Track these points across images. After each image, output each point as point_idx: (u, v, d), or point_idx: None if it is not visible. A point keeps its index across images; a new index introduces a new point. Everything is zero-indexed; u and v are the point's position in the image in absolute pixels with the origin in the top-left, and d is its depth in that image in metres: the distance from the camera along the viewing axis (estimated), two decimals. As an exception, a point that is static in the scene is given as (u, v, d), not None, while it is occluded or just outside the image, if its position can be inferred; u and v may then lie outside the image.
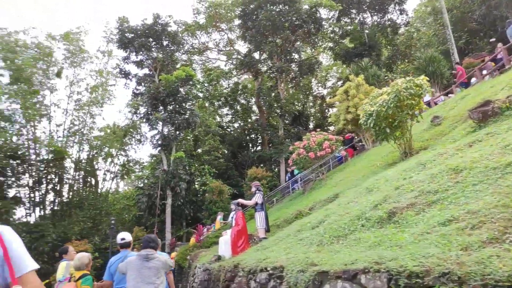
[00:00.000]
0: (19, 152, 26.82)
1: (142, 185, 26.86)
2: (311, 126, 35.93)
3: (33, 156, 28.80)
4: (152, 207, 24.36)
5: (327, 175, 18.20)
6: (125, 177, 36.62)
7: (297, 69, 28.65)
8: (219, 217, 20.37)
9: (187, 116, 25.23)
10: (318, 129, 19.38)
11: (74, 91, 33.57)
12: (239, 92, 36.23)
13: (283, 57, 28.52)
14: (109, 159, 35.53)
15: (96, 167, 35.45)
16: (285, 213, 14.36)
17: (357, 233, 4.75)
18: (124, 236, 5.80)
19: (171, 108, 25.19)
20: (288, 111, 28.42)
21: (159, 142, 25.58)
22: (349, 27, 34.83)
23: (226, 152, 32.35)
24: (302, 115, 33.96)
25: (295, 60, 29.51)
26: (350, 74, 21.92)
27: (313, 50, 32.87)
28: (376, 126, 10.41)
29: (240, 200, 11.96)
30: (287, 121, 29.55)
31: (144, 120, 26.05)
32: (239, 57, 33.84)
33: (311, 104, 41.28)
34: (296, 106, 34.61)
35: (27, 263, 1.62)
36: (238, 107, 38.08)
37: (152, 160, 30.44)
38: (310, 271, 3.72)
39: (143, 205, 24.57)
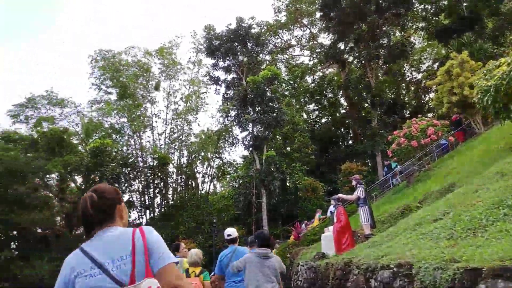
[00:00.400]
0: (129, 160, 29.84)
1: (237, 185, 27.80)
2: (407, 114, 33.31)
3: (141, 164, 31.91)
4: (249, 206, 24.99)
5: (433, 164, 16.50)
6: (221, 178, 38.35)
7: (387, 54, 26.70)
8: (318, 214, 19.97)
9: (275, 115, 25.33)
10: (419, 115, 17.70)
11: (171, 102, 36.39)
12: (325, 86, 35.28)
13: (371, 43, 26.87)
14: (206, 163, 37.63)
15: (195, 170, 37.84)
16: (389, 208, 13.35)
17: (499, 224, 3.99)
18: (230, 232, 5.86)
19: (259, 108, 25.58)
20: (380, 100, 26.67)
21: (250, 142, 26.16)
22: (443, 2, 31.37)
23: (316, 148, 31.70)
24: (396, 104, 31.63)
25: (384, 45, 27.58)
26: (451, 52, 19.61)
27: (403, 32, 30.29)
28: (495, 104, 9.04)
29: (341, 195, 11.41)
30: (380, 111, 27.72)
31: (235, 123, 26.94)
32: (323, 50, 32.98)
33: (403, 92, 38.30)
34: (389, 95, 32.33)
35: (167, 256, 1.73)
36: (325, 102, 37.13)
37: (245, 161, 31.32)
38: (452, 268, 3.17)
39: (240, 204, 25.37)
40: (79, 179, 29.20)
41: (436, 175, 14.04)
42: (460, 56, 18.36)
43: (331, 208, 19.82)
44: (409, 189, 15.47)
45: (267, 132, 25.76)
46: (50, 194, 28.60)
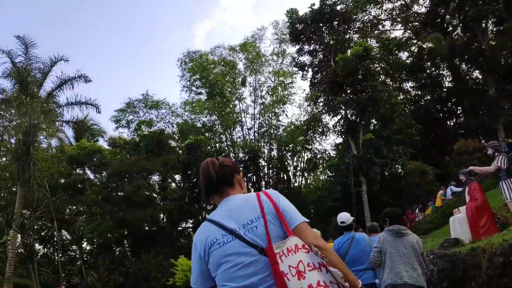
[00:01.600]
0: (223, 155, 30.21)
1: (332, 174, 25.99)
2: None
3: (233, 159, 32.15)
4: (347, 196, 23.09)
5: None
6: (312, 170, 36.92)
7: (503, 9, 22.27)
8: (441, 192, 17.43)
9: (370, 94, 23.01)
10: None
11: (258, 96, 36.13)
12: (425, 59, 31.27)
13: (483, 1, 22.76)
14: (296, 155, 36.54)
15: (286, 163, 37.03)
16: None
17: None
18: (344, 218, 5.32)
19: (351, 89, 23.52)
20: (497, 65, 22.44)
21: (344, 127, 24.24)
22: None
23: (421, 128, 28.20)
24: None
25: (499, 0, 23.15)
26: None
27: None
28: None
29: (474, 168, 9.15)
30: (497, 78, 23.37)
31: (325, 110, 25.24)
32: (420, 18, 29.25)
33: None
34: (505, 58, 27.18)
35: (298, 217, 1.64)
36: (426, 78, 32.96)
37: (338, 150, 29.33)
38: None
39: (337, 194, 23.61)
40: (178, 178, 30.57)
41: None
42: None
43: (452, 188, 17.02)
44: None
45: (362, 114, 23.56)
46: (154, 195, 30.42)
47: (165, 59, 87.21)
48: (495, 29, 26.66)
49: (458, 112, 31.15)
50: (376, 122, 27.17)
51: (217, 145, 32.73)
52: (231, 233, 1.57)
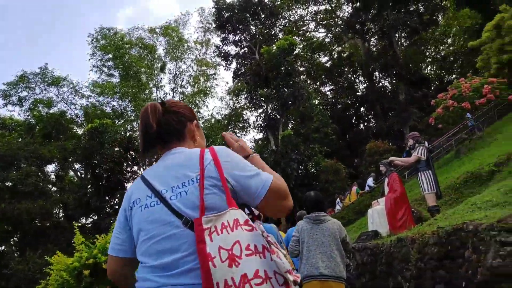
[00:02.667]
0: (136, 144, 27.65)
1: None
2: (430, 91, 30.36)
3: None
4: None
5: (486, 131, 13.81)
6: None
7: (417, 21, 23.80)
8: (355, 187, 17.63)
9: (292, 90, 22.75)
10: (468, 74, 14.92)
11: (178, 84, 34.02)
12: (343, 63, 32.45)
13: (397, 10, 24.07)
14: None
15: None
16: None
17: None
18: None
19: (274, 83, 22.99)
20: (408, 72, 23.90)
21: (265, 122, 23.66)
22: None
23: (337, 128, 29.04)
24: (422, 78, 28.62)
25: (413, 12, 24.71)
26: (501, 5, 16.77)
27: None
28: None
29: (394, 158, 8.82)
30: (407, 85, 24.93)
31: (247, 103, 24.36)
32: (342, 24, 30.16)
33: (428, 67, 35.29)
34: (414, 69, 29.30)
35: (264, 177, 1.29)
36: (343, 81, 34.32)
37: (257, 145, 28.74)
38: None
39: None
40: (79, 167, 27.07)
41: (500, 140, 11.38)
42: (514, 7, 15.59)
43: (370, 181, 17.32)
44: (459, 161, 12.83)
45: (283, 110, 23.20)
46: (49, 185, 26.50)
47: (82, 41, 79.40)
48: (408, 40, 28.64)
49: (370, 116, 32.95)
50: (295, 119, 27.15)
51: (129, 133, 29.78)
52: (157, 196, 1.23)
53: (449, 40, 35.53)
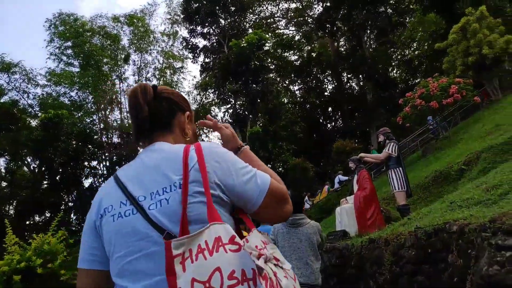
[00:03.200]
0: (94, 137, 26.15)
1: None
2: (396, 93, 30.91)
3: (105, 143, 28.06)
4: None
5: (452, 131, 13.94)
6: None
7: (387, 21, 23.97)
8: (327, 186, 17.39)
9: (260, 86, 22.26)
10: (436, 74, 15.00)
11: (143, 77, 32.62)
12: (313, 63, 32.34)
13: (367, 10, 24.14)
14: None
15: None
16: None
17: None
18: None
19: (243, 79, 22.39)
20: (376, 73, 24.05)
21: (233, 118, 23.01)
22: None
23: (305, 126, 28.87)
24: (388, 80, 28.99)
25: (382, 12, 24.89)
26: (467, 8, 17.06)
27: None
28: None
29: (364, 155, 8.47)
30: (375, 86, 25.10)
31: (215, 97, 23.59)
32: (312, 23, 30.02)
33: (395, 69, 35.95)
34: (381, 70, 29.62)
35: (260, 180, 1.08)
36: (313, 80, 34.26)
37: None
38: None
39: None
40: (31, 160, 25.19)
41: (466, 139, 11.41)
42: (479, 10, 15.85)
43: (340, 177, 17.10)
44: (426, 161, 12.81)
45: (251, 106, 22.65)
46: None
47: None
48: (376, 42, 28.87)
49: (338, 116, 33.10)
50: (264, 117, 26.67)
51: (88, 126, 28.11)
52: (133, 203, 0.99)
53: (415, 44, 36.45)
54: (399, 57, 35.46)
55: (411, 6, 25.77)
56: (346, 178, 16.86)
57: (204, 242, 0.90)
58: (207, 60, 24.95)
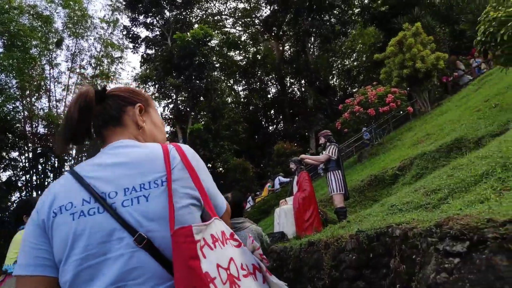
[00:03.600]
0: (16, 125, 23.60)
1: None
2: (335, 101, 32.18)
3: (28, 133, 25.48)
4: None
5: (386, 138, 14.63)
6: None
7: (330, 30, 24.70)
8: (268, 184, 17.23)
9: (204, 82, 21.69)
10: (374, 83, 15.68)
11: (77, 64, 30.20)
12: (258, 64, 32.44)
13: (312, 17, 24.71)
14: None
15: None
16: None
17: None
18: None
19: (187, 73, 21.61)
20: (318, 78, 24.69)
21: (173, 113, 22.13)
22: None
23: (247, 126, 28.78)
24: (329, 87, 30.02)
25: (326, 21, 25.62)
26: (404, 24, 18.12)
27: (346, 7, 28.34)
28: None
29: (305, 156, 8.42)
30: (316, 91, 25.79)
31: (156, 89, 22.48)
32: (259, 24, 30.07)
33: (335, 77, 37.42)
34: (322, 77, 30.56)
35: (223, 199, 1.16)
36: (256, 81, 34.35)
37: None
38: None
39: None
40: None
41: (398, 147, 11.98)
42: (415, 26, 16.90)
43: (280, 179, 17.05)
44: (361, 165, 13.28)
45: (193, 102, 21.96)
46: None
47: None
48: (319, 50, 29.76)
49: (279, 119, 33.53)
50: (206, 115, 26.07)
51: (10, 112, 25.26)
52: (99, 201, 0.93)
53: (354, 55, 38.29)
54: (339, 66, 36.98)
55: (353, 18, 26.93)
56: (287, 180, 16.94)
57: (215, 233, 0.92)
58: (149, 51, 23.71)
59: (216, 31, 30.18)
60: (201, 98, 22.82)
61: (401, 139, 12.99)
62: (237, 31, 34.73)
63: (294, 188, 8.27)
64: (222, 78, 31.95)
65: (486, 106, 8.81)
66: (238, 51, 33.78)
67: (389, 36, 23.17)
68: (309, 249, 4.67)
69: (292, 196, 8.04)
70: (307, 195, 7.69)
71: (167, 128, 27.43)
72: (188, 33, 21.65)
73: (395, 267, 2.99)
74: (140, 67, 24.24)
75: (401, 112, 14.32)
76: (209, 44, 22.80)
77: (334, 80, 38.05)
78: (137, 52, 23.92)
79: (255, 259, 0.98)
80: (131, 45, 24.72)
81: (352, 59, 38.80)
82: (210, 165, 25.34)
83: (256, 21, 31.87)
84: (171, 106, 21.59)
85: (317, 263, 4.34)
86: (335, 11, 27.51)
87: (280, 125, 33.56)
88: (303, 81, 27.12)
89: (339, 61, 37.60)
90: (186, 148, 1.06)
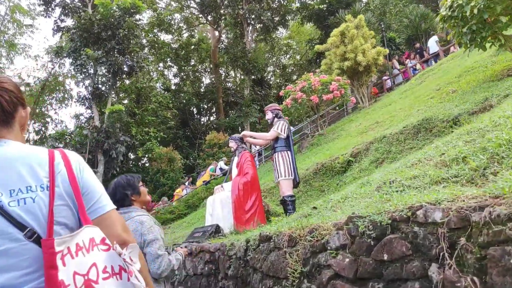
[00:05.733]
0: None
1: (62, 146, 19.88)
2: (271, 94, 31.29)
3: None
4: (77, 176, 17.94)
5: (327, 130, 13.77)
6: (45, 146, 29.02)
7: (269, 17, 23.54)
8: (211, 166, 15.43)
9: (128, 58, 19.05)
10: (317, 70, 14.76)
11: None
12: (192, 48, 30.20)
13: (251, 2, 23.39)
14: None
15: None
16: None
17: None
18: None
19: (109, 46, 18.76)
20: (255, 68, 23.40)
21: (90, 90, 19.09)
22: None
23: (177, 114, 26.46)
24: (263, 80, 28.84)
25: (266, 6, 24.43)
26: (347, 15, 17.62)
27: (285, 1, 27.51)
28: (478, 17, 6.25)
29: (248, 133, 6.87)
30: (252, 81, 24.54)
31: (72, 61, 19.14)
32: (196, 4, 27.89)
33: (271, 72, 36.70)
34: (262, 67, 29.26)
35: (107, 200, 1.18)
36: (189, 69, 32.05)
37: (77, 121, 23.36)
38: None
39: (64, 173, 17.96)
40: None
41: (342, 136, 11.08)
42: (358, 18, 16.43)
43: (222, 165, 15.22)
44: (303, 155, 12.19)
45: (114, 79, 19.15)
46: None
47: None
48: (257, 40, 28.53)
49: (213, 110, 31.66)
50: (130, 97, 23.18)
51: None
52: None
53: (291, 51, 38.04)
54: (275, 62, 36.34)
55: (292, 10, 26.15)
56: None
57: (81, 241, 1.01)
58: (64, 18, 20.15)
59: (146, 6, 27.34)
60: (124, 77, 20.09)
61: (344, 129, 12.18)
62: (171, 11, 32.05)
63: (234, 171, 6.68)
64: (150, 58, 29.18)
65: (441, 93, 8.17)
66: (170, 34, 31.17)
67: (326, 34, 22.90)
68: (262, 248, 3.14)
69: (230, 182, 6.47)
70: (249, 179, 6.14)
71: (82, 109, 24.06)
72: (113, 0, 18.85)
73: (445, 278, 1.60)
74: (53, 36, 20.65)
75: (348, 101, 13.50)
76: (136, 16, 20.13)
77: (269, 76, 37.33)
78: (49, 17, 20.25)
79: (121, 260, 1.06)
80: (42, 8, 20.86)
81: (288, 55, 38.52)
82: (131, 154, 22.64)
83: (192, 3, 29.60)
84: (87, 82, 18.50)
85: (276, 268, 2.83)
86: (274, 4, 26.58)
87: (213, 117, 31.75)
88: (238, 73, 25.66)
89: (274, 58, 36.98)
90: (70, 153, 1.14)
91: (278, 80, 37.03)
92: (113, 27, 18.71)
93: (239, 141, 6.68)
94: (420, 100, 9.11)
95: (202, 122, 30.65)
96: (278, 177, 6.05)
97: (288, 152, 6.18)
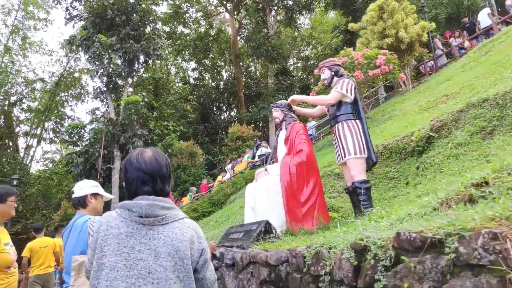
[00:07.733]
0: None
1: (75, 140, 18.54)
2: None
3: None
4: (92, 173, 16.65)
5: (371, 113, 11.87)
6: (58, 142, 28.17)
7: (294, 1, 21.74)
8: (248, 154, 13.95)
9: (145, 45, 17.62)
10: (358, 44, 12.87)
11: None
12: (212, 40, 28.66)
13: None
14: (35, 119, 26.74)
15: (17, 130, 26.75)
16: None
17: None
18: (76, 187, 2.76)
19: (123, 32, 17.40)
20: (280, 55, 21.66)
21: (105, 79, 17.76)
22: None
23: (198, 106, 24.98)
24: (286, 70, 26.91)
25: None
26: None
27: None
28: None
29: (298, 97, 5.19)
30: (276, 70, 22.80)
31: (84, 50, 17.86)
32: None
33: (294, 61, 34.80)
34: (288, 51, 27.26)
35: None
36: (208, 62, 30.53)
37: (93, 116, 22.16)
38: None
39: (78, 170, 16.67)
40: None
41: (399, 116, 9.19)
42: (398, -10, 14.44)
43: (263, 150, 13.47)
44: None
45: (130, 68, 17.77)
46: None
47: None
48: (282, 23, 26.68)
49: (233, 105, 30.05)
50: (147, 89, 21.77)
51: None
52: None
53: (313, 42, 36.07)
54: (297, 53, 34.46)
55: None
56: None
57: None
58: (75, 3, 18.84)
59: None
60: (140, 67, 18.70)
61: (396, 109, 10.30)
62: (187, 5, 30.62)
63: (281, 150, 4.95)
64: (168, 49, 27.83)
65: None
66: (187, 29, 29.76)
67: (354, 19, 20.91)
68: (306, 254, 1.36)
69: (277, 164, 4.76)
70: (305, 159, 4.37)
71: (97, 104, 22.81)
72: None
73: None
74: (65, 25, 19.47)
75: (397, 78, 11.55)
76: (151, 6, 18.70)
77: (292, 69, 35.50)
78: (59, 3, 19.01)
79: None
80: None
81: (311, 46, 36.58)
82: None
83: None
84: (100, 71, 17.15)
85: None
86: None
87: (234, 112, 30.17)
88: (260, 64, 23.94)
89: (296, 50, 35.13)
90: None
91: (300, 73, 35.16)
92: (127, 11, 17.35)
93: (287, 109, 4.94)
94: (502, 65, 7.15)
95: (222, 118, 29.12)
96: (346, 156, 4.20)
97: (358, 121, 4.35)
